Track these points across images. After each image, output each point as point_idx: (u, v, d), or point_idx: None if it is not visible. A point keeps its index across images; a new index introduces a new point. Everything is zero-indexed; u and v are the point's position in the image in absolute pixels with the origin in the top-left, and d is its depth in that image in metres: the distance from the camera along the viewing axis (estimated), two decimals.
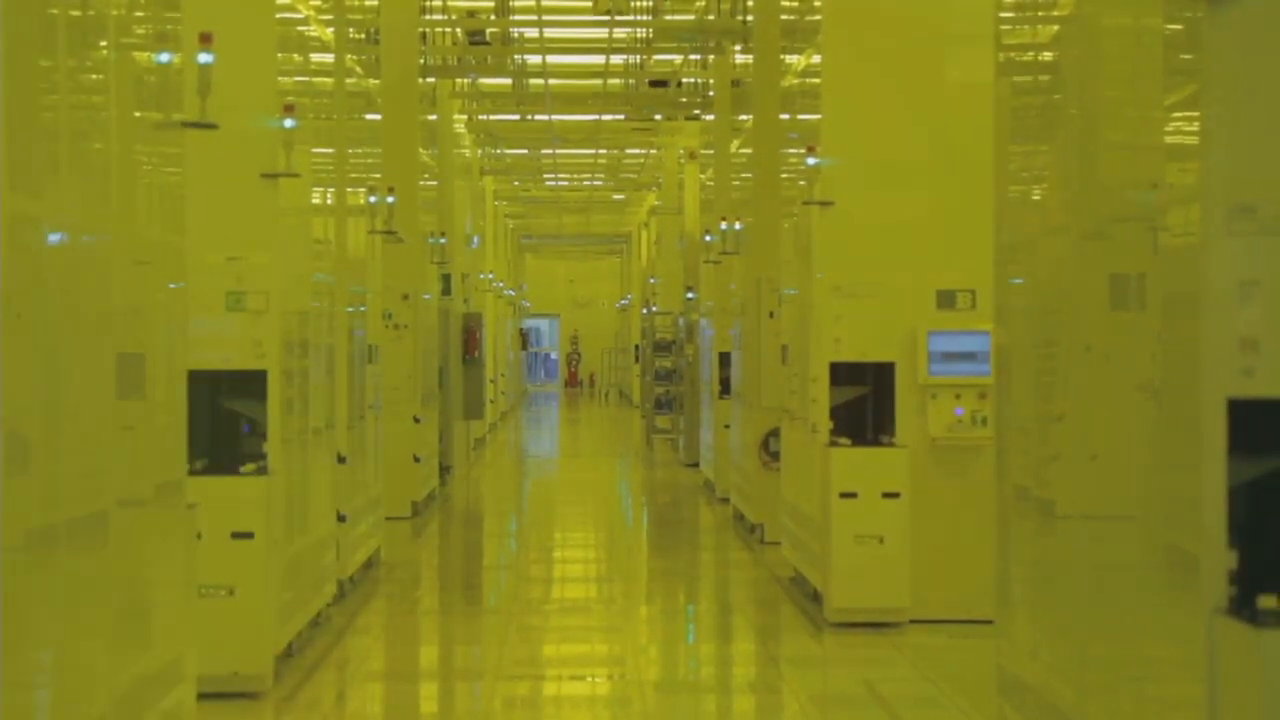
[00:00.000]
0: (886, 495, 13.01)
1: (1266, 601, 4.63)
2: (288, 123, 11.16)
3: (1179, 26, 6.14)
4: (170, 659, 7.66)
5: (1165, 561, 5.99)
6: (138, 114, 7.69)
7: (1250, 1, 4.70)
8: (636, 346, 46.22)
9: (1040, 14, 8.72)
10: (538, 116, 32.41)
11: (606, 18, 24.15)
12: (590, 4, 24.16)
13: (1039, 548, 8.03)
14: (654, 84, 28.38)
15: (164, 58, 7.81)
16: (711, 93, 25.79)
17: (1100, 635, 6.82)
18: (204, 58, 8.34)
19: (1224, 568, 4.72)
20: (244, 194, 10.97)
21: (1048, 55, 8.46)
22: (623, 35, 25.89)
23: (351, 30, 16.99)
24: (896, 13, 13.52)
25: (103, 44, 7.00)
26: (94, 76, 6.99)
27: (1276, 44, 4.68)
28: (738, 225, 20.56)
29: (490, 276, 40.70)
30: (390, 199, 17.65)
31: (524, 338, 63.53)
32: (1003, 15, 9.30)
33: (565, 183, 46.56)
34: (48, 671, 6.00)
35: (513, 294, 53.62)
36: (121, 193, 7.20)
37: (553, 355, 74.69)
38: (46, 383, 5.99)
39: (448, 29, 24.66)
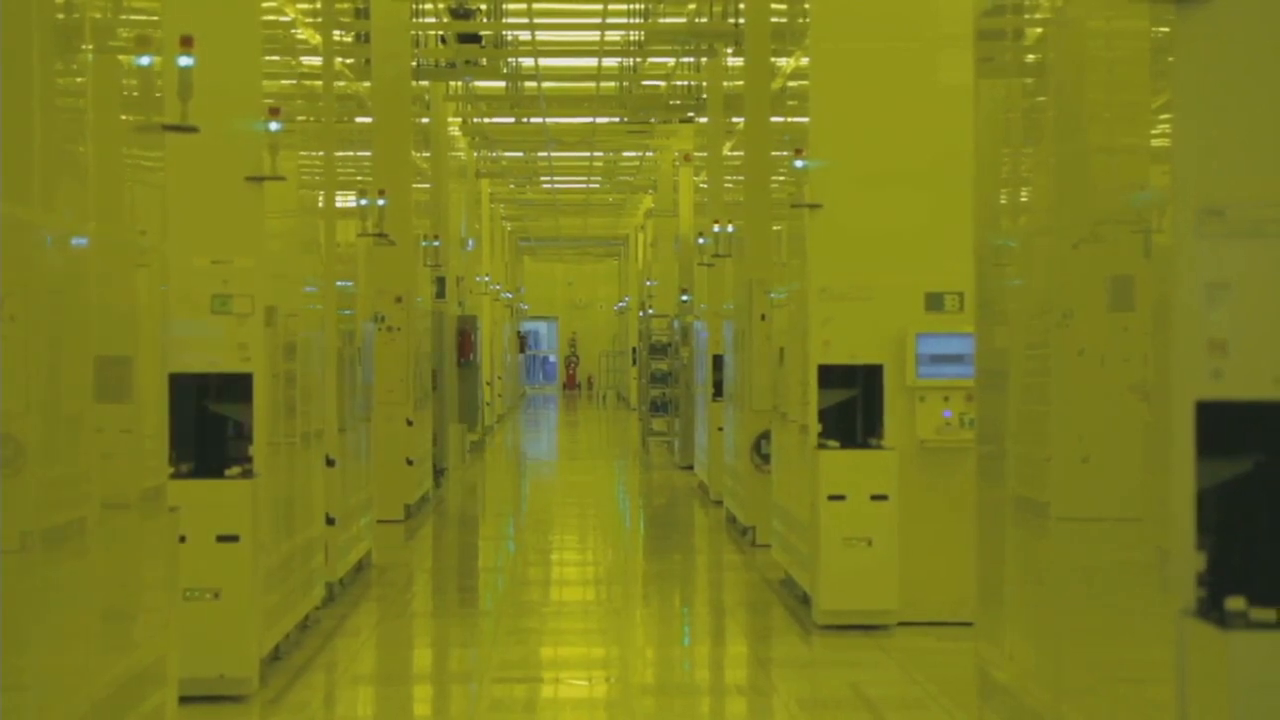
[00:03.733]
0: (875, 497, 13.00)
1: (1234, 603, 4.63)
2: (272, 125, 11.16)
3: (1165, 29, 6.14)
4: (151, 661, 7.66)
5: (1156, 563, 5.98)
6: (124, 117, 7.70)
7: (1218, 4, 4.71)
8: (634, 349, 46.21)
9: (1025, 16, 8.72)
10: (532, 119, 32.42)
11: (598, 20, 24.15)
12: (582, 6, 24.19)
13: (1025, 550, 8.02)
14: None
15: (145, 61, 7.81)
16: (704, 95, 25.80)
17: (1084, 637, 6.82)
18: (184, 61, 8.34)
19: (1192, 570, 4.72)
20: (230, 197, 10.97)
21: (1032, 57, 8.46)
22: (615, 38, 25.89)
23: (342, 33, 16.99)
24: (885, 15, 13.51)
25: (85, 47, 7.00)
26: (78, 80, 6.99)
27: (1244, 46, 4.69)
28: (730, 228, 20.55)
29: (487, 279, 40.68)
30: (381, 201, 17.65)
31: (522, 340, 63.50)
32: (984, 17, 9.29)
33: (562, 185, 46.57)
34: (32, 674, 6.00)
35: (510, 296, 53.59)
36: (107, 197, 7.20)
37: (551, 358, 74.65)
38: (39, 386, 5.99)
39: (439, 30, 24.65)
